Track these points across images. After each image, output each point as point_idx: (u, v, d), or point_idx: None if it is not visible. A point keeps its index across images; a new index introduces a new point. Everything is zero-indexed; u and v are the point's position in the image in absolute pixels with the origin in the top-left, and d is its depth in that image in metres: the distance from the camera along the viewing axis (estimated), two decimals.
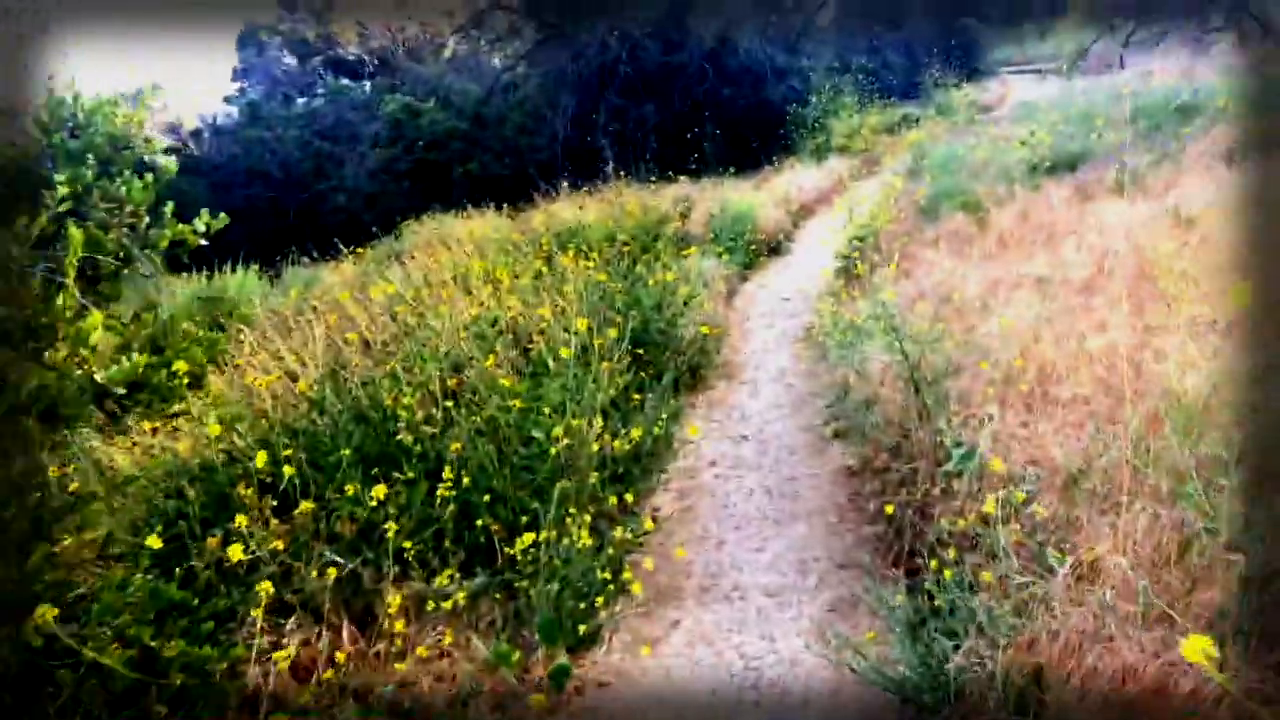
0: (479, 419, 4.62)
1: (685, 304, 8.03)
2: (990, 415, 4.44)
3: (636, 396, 5.84)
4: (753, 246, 12.26)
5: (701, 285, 8.88)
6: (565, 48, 19.87)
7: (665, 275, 8.01)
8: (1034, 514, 3.46)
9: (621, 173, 13.21)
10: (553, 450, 4.41)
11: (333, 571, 3.71)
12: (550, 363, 5.26)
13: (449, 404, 4.64)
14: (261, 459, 4.02)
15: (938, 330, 5.79)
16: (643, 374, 6.48)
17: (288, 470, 4.09)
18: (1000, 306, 6.60)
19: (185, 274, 11.89)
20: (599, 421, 4.77)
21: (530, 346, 5.72)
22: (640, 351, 6.63)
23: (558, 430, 4.46)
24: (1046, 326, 5.91)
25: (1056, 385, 5.02)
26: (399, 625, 3.92)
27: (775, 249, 13.08)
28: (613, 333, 5.75)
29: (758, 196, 14.20)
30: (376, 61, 26.26)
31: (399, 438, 4.48)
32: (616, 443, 4.93)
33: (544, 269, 7.88)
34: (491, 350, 5.10)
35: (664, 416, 6.16)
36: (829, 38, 24.10)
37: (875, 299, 7.19)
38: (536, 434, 4.52)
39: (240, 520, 3.90)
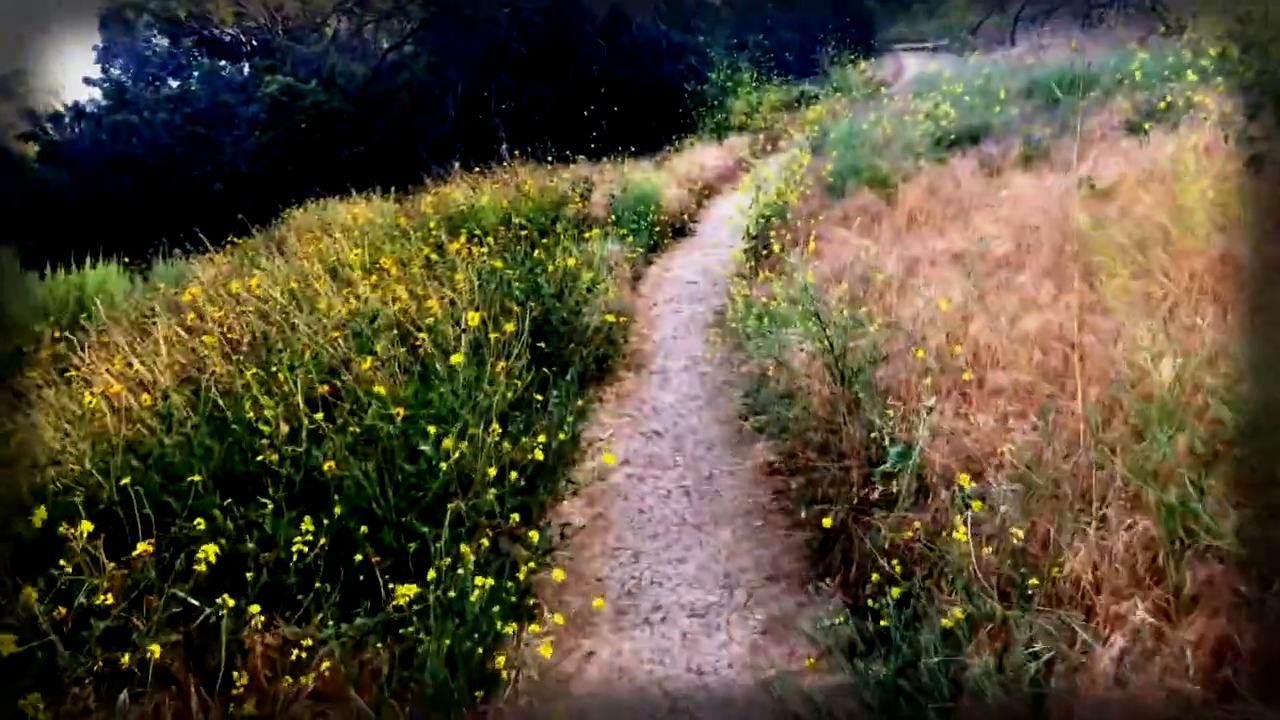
0: (355, 431, 4.00)
1: (589, 291, 7.49)
2: (928, 408, 4.04)
3: (539, 396, 5.27)
4: (656, 228, 11.78)
5: (605, 270, 8.35)
6: (454, 25, 18.99)
7: (566, 260, 7.45)
8: (1004, 526, 3.04)
9: (517, 154, 12.54)
10: (443, 465, 3.83)
11: (175, 635, 3.07)
12: (439, 364, 4.65)
13: (319, 416, 4.00)
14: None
15: (859, 314, 5.39)
16: (544, 369, 5.91)
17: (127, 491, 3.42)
18: (921, 286, 6.26)
19: (43, 269, 10.82)
20: (496, 429, 4.20)
21: (418, 344, 5.09)
22: (541, 345, 6.06)
23: (449, 442, 3.88)
24: (975, 307, 5.59)
25: (995, 371, 4.68)
26: (262, 680, 3.31)
27: (680, 230, 12.64)
28: (510, 326, 5.18)
29: (660, 176, 13.73)
30: (254, 42, 24.82)
31: (261, 457, 3.83)
32: (517, 451, 4.37)
33: (433, 256, 7.22)
34: (370, 350, 4.46)
35: (570, 417, 5.61)
36: (723, 16, 23.74)
37: (791, 281, 6.80)
38: (424, 447, 3.94)
39: (66, 564, 3.25)
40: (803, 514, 4.60)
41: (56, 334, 6.61)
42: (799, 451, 5.25)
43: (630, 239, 10.58)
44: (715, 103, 19.14)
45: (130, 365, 5.07)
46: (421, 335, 4.66)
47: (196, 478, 3.73)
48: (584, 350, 7.01)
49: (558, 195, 11.04)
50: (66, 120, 18.67)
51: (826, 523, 4.03)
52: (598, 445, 6.38)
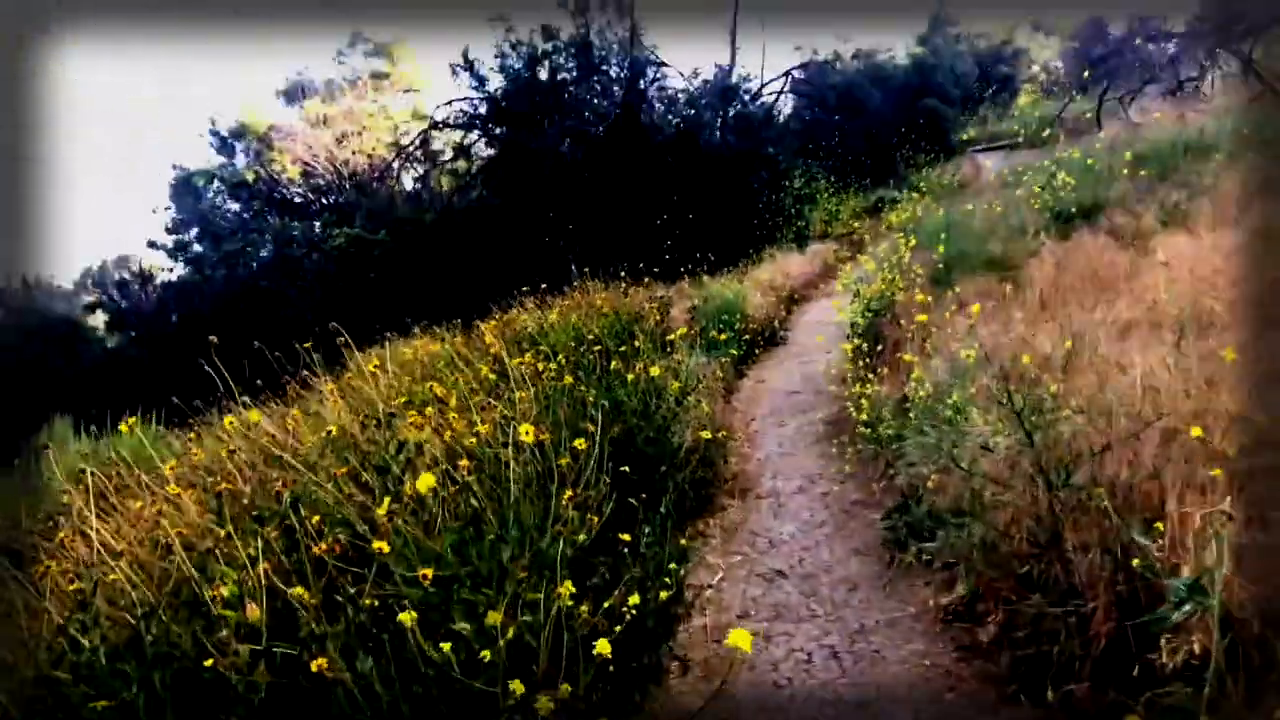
0: (366, 608, 2.73)
1: (678, 404, 6.23)
2: (1225, 514, 2.60)
3: (624, 536, 3.95)
4: (745, 336, 10.57)
5: (695, 381, 7.10)
6: (517, 159, 18.64)
7: (650, 369, 6.23)
8: None
9: (588, 274, 11.59)
10: (485, 655, 2.52)
11: None
12: (486, 506, 3.38)
13: (299, 590, 2.71)
14: None
15: (1047, 394, 3.99)
16: (631, 500, 4.60)
17: None
18: (1108, 363, 4.84)
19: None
20: (568, 587, 2.88)
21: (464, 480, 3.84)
22: (625, 469, 4.78)
23: (495, 615, 2.58)
24: (1180, 378, 4.15)
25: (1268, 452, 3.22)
26: None
27: (771, 339, 11.41)
28: (581, 443, 3.91)
29: (743, 286, 12.63)
30: (323, 200, 25.06)
31: (212, 660, 2.57)
32: (600, 617, 3.03)
33: (491, 376, 6.09)
34: (390, 492, 3.22)
35: (670, 563, 4.27)
36: (792, 126, 23.18)
37: (927, 370, 5.46)
38: (462, 625, 2.64)
39: None
40: (1003, 669, 3.12)
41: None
42: (987, 588, 3.79)
43: (719, 348, 9.37)
44: (793, 211, 18.20)
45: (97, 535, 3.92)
46: (463, 463, 3.41)
47: (126, 694, 2.48)
48: (678, 475, 5.69)
49: (633, 309, 9.96)
50: (135, 287, 18.67)
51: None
52: (705, 597, 4.98)
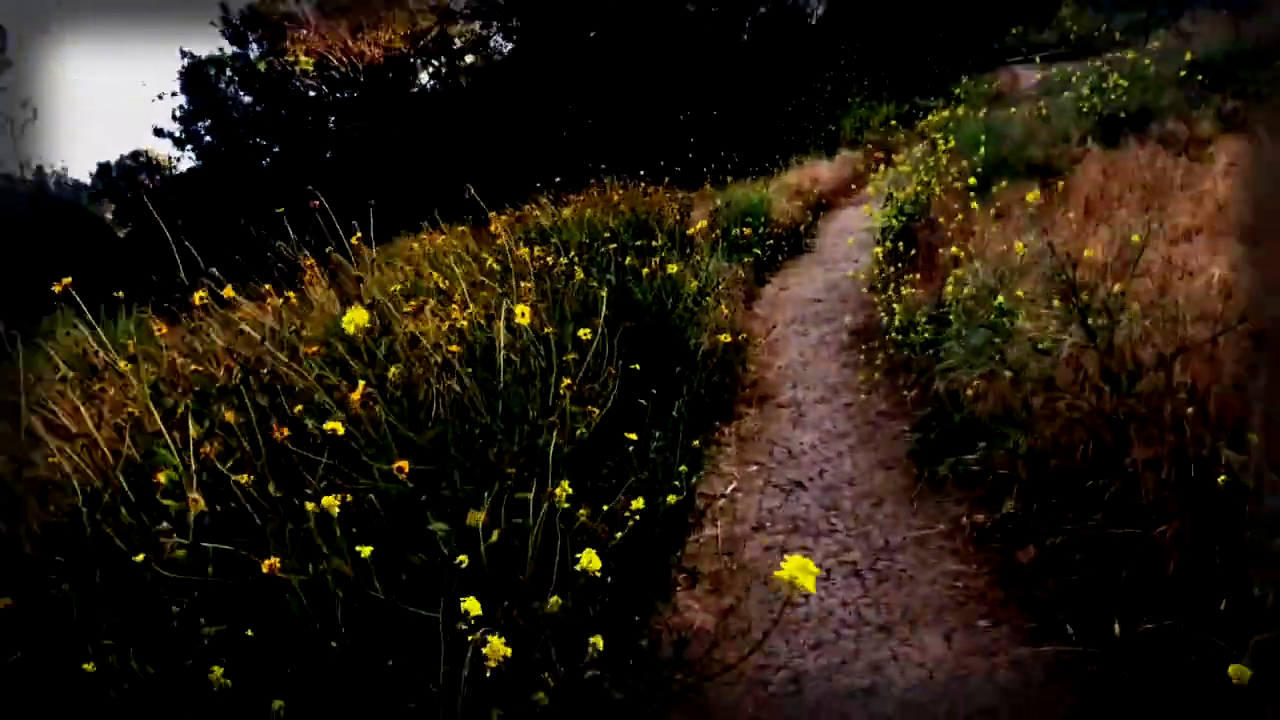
0: (327, 501, 2.38)
1: (695, 303, 5.82)
2: None
3: (631, 436, 3.59)
4: (769, 241, 10.09)
5: (715, 283, 6.67)
6: (537, 51, 17.89)
7: (668, 268, 5.80)
8: None
9: (606, 173, 11.05)
10: (462, 559, 2.17)
11: None
12: (469, 388, 3.00)
13: (258, 480, 2.35)
14: None
15: (1110, 294, 3.55)
16: (640, 401, 4.23)
17: None
18: (1172, 267, 4.38)
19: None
20: (565, 488, 2.51)
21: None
22: (636, 367, 4.40)
23: (475, 517, 2.23)
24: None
25: None
26: None
27: (796, 245, 10.90)
28: (584, 333, 3.53)
29: (768, 190, 12.06)
30: (339, 94, 24.32)
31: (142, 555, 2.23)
32: (600, 523, 2.68)
33: (495, 266, 5.70)
34: (365, 376, 2.83)
35: (681, 466, 3.93)
36: (826, 28, 22.14)
37: (978, 274, 5.01)
38: (437, 526, 2.29)
39: None
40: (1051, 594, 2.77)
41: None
42: (1034, 505, 3.42)
43: (742, 251, 8.91)
44: (823, 115, 17.44)
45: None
46: (451, 348, 3.03)
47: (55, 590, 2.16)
48: (693, 378, 5.32)
49: (653, 208, 9.45)
50: (142, 177, 18.22)
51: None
52: (718, 506, 4.65)
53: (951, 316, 4.84)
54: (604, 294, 5.02)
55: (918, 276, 6.90)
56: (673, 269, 5.79)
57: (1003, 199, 8.95)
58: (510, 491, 2.44)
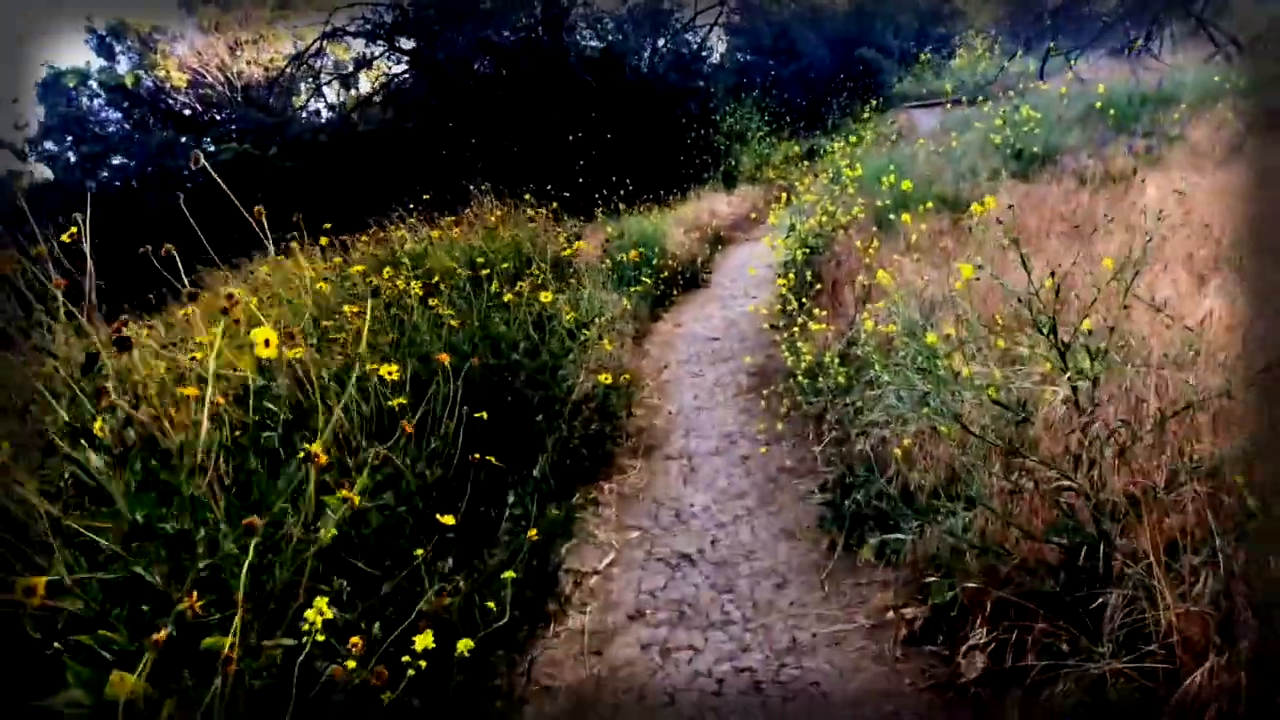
0: None
1: (571, 336, 4.97)
2: None
3: (446, 520, 2.68)
4: (664, 275, 9.33)
5: (596, 314, 5.83)
6: (426, 75, 16.94)
7: (541, 297, 4.93)
8: None
9: (490, 196, 10.14)
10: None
11: None
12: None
13: None
14: None
15: (1081, 331, 2.83)
16: (491, 459, 3.33)
17: None
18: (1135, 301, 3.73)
19: None
20: (317, 609, 1.60)
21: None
22: (483, 416, 3.51)
23: (122, 684, 1.31)
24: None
25: None
26: None
27: (692, 280, 10.18)
28: (389, 370, 2.63)
29: (664, 221, 11.34)
30: (216, 114, 22.83)
31: None
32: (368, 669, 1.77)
33: (347, 309, 4.74)
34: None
35: (531, 533, 3.05)
36: (727, 64, 21.85)
37: (896, 309, 4.30)
38: (62, 699, 1.37)
39: None
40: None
41: None
42: (978, 604, 2.64)
43: (633, 284, 8.12)
44: (722, 148, 16.94)
45: None
46: (217, 399, 2.11)
47: None
48: (564, 426, 4.45)
49: (534, 235, 8.59)
50: None
51: None
52: (589, 586, 3.78)
53: (872, 357, 4.09)
54: (454, 323, 4.15)
55: (824, 313, 6.20)
56: (546, 297, 4.93)
57: (912, 233, 8.44)
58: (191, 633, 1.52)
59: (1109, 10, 22.32)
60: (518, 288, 4.93)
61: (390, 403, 3.04)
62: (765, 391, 5.96)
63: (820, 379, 4.83)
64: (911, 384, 3.12)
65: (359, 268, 5.50)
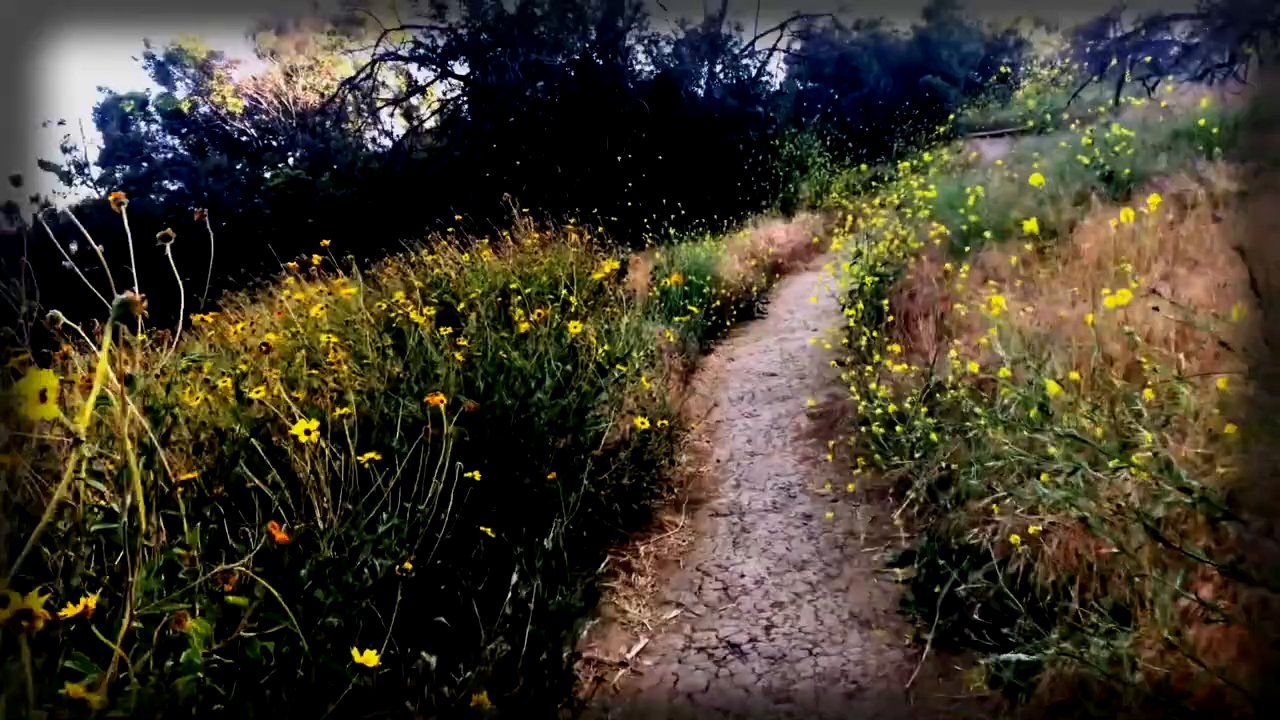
0: None
1: (601, 373, 4.27)
2: None
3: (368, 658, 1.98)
4: (716, 304, 8.63)
5: (636, 344, 5.12)
6: (480, 102, 16.56)
7: (571, 327, 4.25)
8: None
9: (528, 217, 9.54)
10: None
11: None
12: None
13: None
14: None
15: None
16: (487, 529, 2.63)
17: None
18: None
19: None
20: None
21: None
22: (474, 477, 2.81)
23: None
24: None
25: None
26: None
27: (747, 311, 9.45)
28: (344, 412, 1.96)
29: (718, 248, 10.65)
30: (272, 140, 22.82)
31: None
32: None
33: (349, 339, 4.13)
34: None
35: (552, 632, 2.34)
36: (786, 90, 21.19)
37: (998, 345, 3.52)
38: None
39: None
40: None
41: None
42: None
43: (680, 318, 7.43)
44: (781, 175, 16.24)
45: None
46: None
47: None
48: (588, 481, 3.73)
49: (576, 259, 7.95)
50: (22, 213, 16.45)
51: None
52: (614, 682, 3.05)
53: (966, 404, 3.32)
54: (459, 356, 3.48)
55: (897, 349, 5.43)
56: (576, 328, 4.24)
57: (992, 262, 7.64)
58: None
59: (1187, 35, 21.26)
60: (536, 315, 4.24)
61: (362, 459, 2.37)
62: (832, 442, 5.20)
63: (900, 430, 4.06)
64: (1027, 447, 2.35)
65: (351, 290, 4.88)
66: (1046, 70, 38.19)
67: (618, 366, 4.34)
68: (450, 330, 4.22)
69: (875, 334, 5.48)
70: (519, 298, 5.16)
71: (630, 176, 13.04)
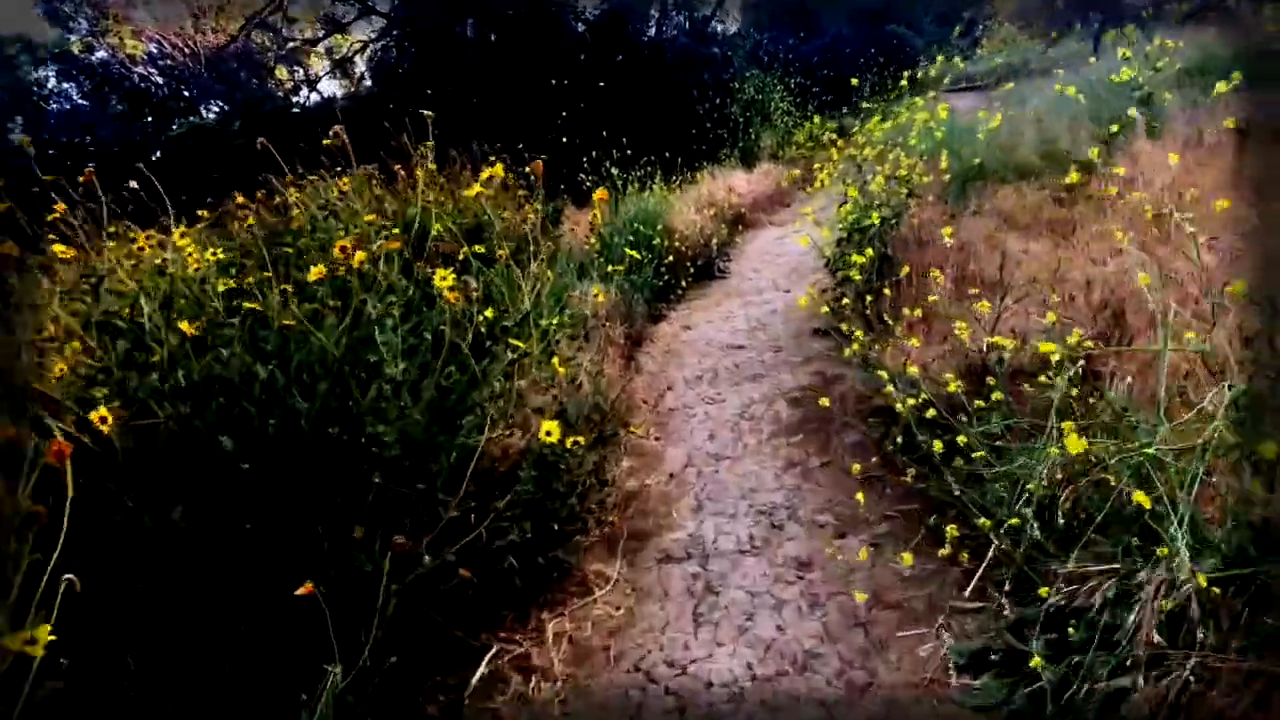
0: None
1: (483, 352, 2.70)
2: None
3: None
4: (669, 259, 7.09)
5: (554, 306, 3.54)
6: (404, 41, 14.75)
7: (438, 280, 2.67)
8: None
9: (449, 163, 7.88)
10: None
11: None
12: None
13: None
14: None
15: None
16: None
17: None
18: None
19: None
20: None
21: None
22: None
23: None
24: None
25: None
26: None
27: (706, 269, 7.90)
28: None
29: (670, 197, 9.06)
30: (176, 84, 20.72)
31: None
32: None
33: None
34: None
35: None
36: (747, 36, 19.52)
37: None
38: None
39: None
40: None
41: None
42: None
43: (621, 277, 5.88)
44: (740, 121, 14.70)
45: None
46: None
47: None
48: (428, 557, 2.18)
49: (489, 205, 6.34)
50: None
51: None
52: None
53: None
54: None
55: (911, 313, 3.93)
56: (443, 280, 2.66)
57: (1005, 205, 6.21)
58: None
59: None
60: (355, 254, 2.65)
61: None
62: (820, 427, 3.72)
63: (964, 426, 2.55)
64: None
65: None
66: (1012, 25, 36.94)
67: (511, 341, 2.78)
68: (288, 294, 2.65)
69: (887, 291, 3.95)
70: (383, 244, 3.55)
71: (571, 118, 11.36)
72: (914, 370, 2.96)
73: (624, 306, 5.93)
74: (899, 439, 3.33)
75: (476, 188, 3.66)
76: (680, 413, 4.74)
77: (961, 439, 2.54)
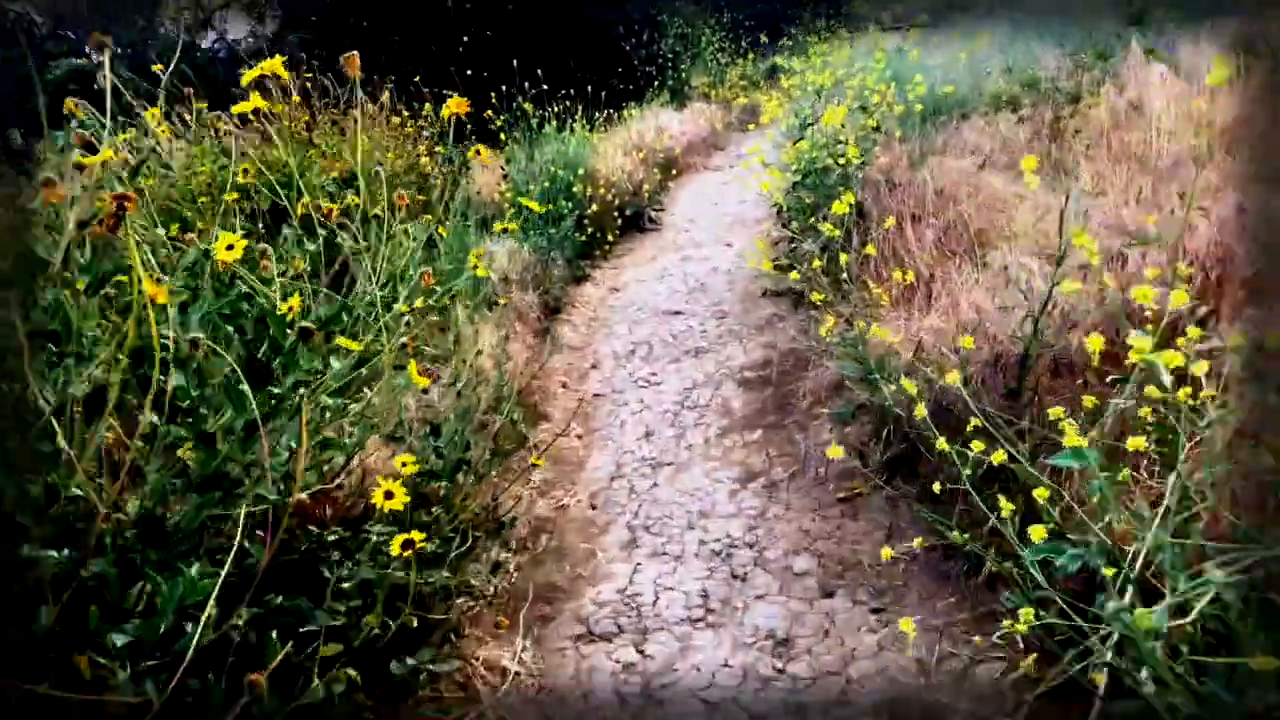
0: None
1: (281, 351, 1.71)
2: None
3: None
4: (593, 209, 6.11)
5: (415, 262, 2.55)
6: None
7: (226, 256, 1.68)
8: None
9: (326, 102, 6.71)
10: None
11: None
12: None
13: None
14: None
15: None
16: None
17: None
18: None
19: None
20: None
21: None
22: None
23: None
24: None
25: None
26: None
27: (635, 219, 6.92)
28: None
29: (593, 139, 8.03)
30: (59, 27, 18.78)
31: None
32: None
33: None
34: None
35: None
36: None
37: None
38: None
39: None
40: None
41: None
42: None
43: (534, 234, 4.91)
44: (670, 59, 13.66)
45: None
46: None
47: None
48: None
49: (392, 151, 5.29)
50: None
51: None
52: None
53: None
54: None
55: (894, 275, 3.04)
56: (233, 249, 1.67)
57: (974, 140, 5.37)
58: None
59: None
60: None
61: None
62: (783, 415, 2.84)
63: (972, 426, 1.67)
64: None
65: None
66: None
67: (341, 342, 1.81)
68: None
69: (871, 249, 3.03)
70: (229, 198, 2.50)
71: (475, 45, 10.19)
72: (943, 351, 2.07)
73: (539, 268, 4.95)
74: (897, 441, 2.48)
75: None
76: (608, 400, 3.81)
77: (998, 456, 1.66)
